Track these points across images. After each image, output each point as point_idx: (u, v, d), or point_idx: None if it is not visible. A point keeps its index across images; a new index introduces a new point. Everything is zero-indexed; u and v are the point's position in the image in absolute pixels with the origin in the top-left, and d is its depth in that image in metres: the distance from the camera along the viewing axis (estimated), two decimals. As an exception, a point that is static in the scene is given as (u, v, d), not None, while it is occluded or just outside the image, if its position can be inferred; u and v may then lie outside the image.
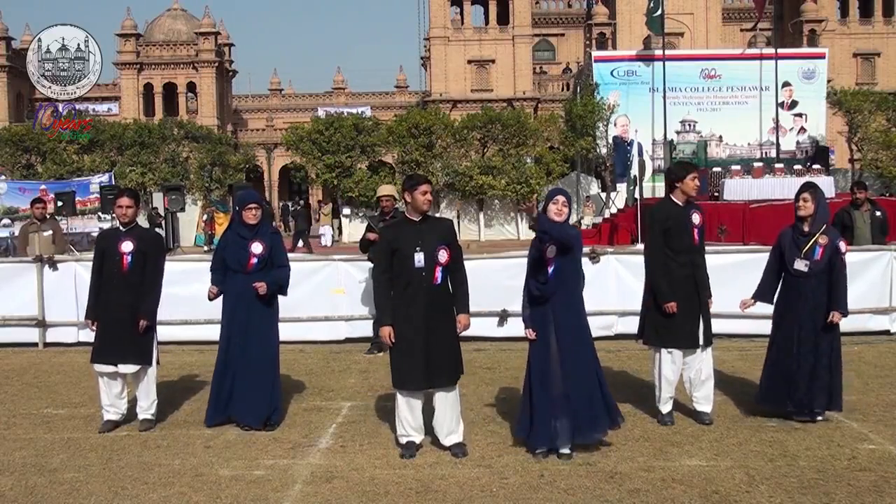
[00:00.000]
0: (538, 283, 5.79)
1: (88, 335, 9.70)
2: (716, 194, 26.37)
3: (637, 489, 5.18)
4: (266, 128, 64.64)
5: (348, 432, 6.56)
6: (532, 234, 6.36)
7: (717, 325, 7.28)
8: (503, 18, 56.26)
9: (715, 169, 29.25)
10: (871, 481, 5.26)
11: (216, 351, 6.94)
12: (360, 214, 35.40)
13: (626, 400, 7.26)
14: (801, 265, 6.51)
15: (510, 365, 8.65)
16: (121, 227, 6.88)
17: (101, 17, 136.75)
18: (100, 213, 26.98)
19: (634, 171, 28.88)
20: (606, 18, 57.18)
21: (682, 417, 6.71)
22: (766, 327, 8.15)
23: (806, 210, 6.55)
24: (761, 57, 39.11)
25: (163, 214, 30.15)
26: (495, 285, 9.91)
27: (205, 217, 33.28)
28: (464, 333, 6.02)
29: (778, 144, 36.39)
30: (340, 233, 36.14)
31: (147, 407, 6.89)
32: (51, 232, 12.43)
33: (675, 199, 6.65)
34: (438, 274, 5.85)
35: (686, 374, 6.71)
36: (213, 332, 7.38)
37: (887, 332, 10.40)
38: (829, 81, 41.58)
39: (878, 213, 11.58)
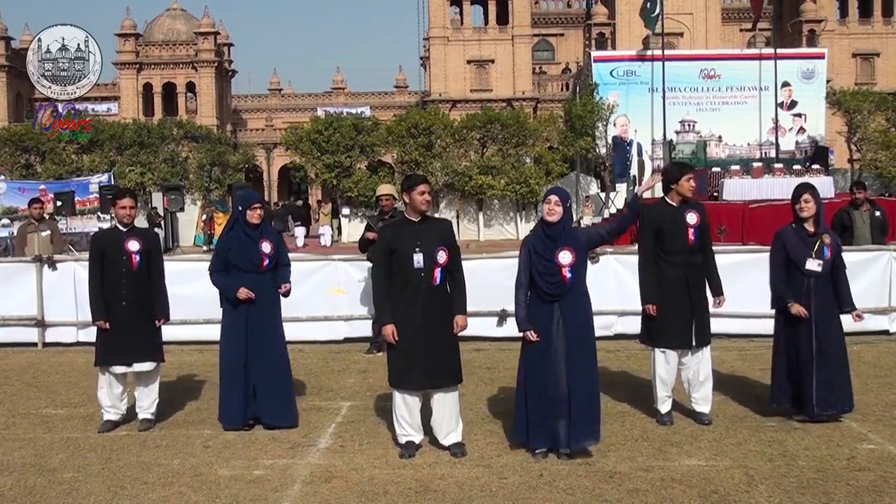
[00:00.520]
0: (549, 283, 5.75)
1: (88, 335, 9.75)
2: (715, 194, 26.34)
3: (636, 489, 5.18)
4: (265, 128, 64.67)
5: (347, 432, 6.56)
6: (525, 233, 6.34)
7: (717, 325, 7.27)
8: (503, 18, 56.29)
9: (714, 169, 29.20)
10: (870, 481, 5.26)
11: (216, 351, 6.93)
12: (360, 214, 35.42)
13: (626, 400, 7.27)
14: (813, 265, 6.51)
15: (509, 365, 8.63)
16: (121, 227, 6.88)
17: (101, 17, 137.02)
18: (99, 213, 26.96)
19: (634, 171, 28.94)
20: (606, 18, 57.20)
21: (681, 417, 6.71)
22: (765, 327, 8.16)
23: (809, 211, 6.55)
24: (761, 57, 39.12)
25: (162, 214, 30.15)
26: (494, 285, 9.90)
27: (204, 217, 33.27)
28: (463, 333, 6.01)
29: (777, 144, 36.38)
30: (340, 233, 36.12)
31: (147, 406, 6.89)
32: (49, 232, 12.42)
33: (670, 200, 6.65)
34: (437, 274, 5.84)
35: (684, 374, 6.71)
36: (212, 332, 7.38)
37: (887, 332, 10.41)
38: (828, 81, 41.62)
39: (877, 213, 11.59)
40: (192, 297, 9.66)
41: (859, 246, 10.78)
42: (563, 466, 5.59)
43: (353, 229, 33.67)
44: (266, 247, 6.71)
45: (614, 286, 10.28)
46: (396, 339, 5.81)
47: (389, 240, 5.97)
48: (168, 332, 7.27)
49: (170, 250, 25.24)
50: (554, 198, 5.78)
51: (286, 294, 6.83)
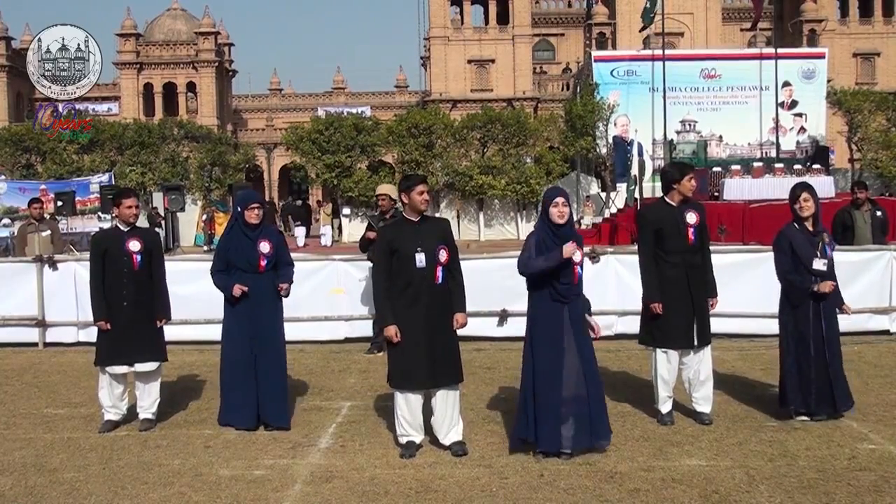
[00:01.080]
0: (562, 283, 5.74)
1: (88, 335, 9.75)
2: (716, 194, 26.37)
3: (637, 489, 5.18)
4: (266, 128, 64.66)
5: (348, 432, 6.56)
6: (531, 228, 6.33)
7: (717, 325, 7.27)
8: (503, 18, 56.28)
9: (715, 169, 29.23)
10: (870, 481, 5.26)
11: (216, 351, 6.93)
12: (360, 214, 35.42)
13: (626, 400, 7.27)
14: (820, 264, 6.51)
15: (510, 365, 8.64)
16: (122, 227, 6.88)
17: (101, 17, 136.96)
18: (100, 213, 26.96)
19: (634, 170, 28.90)
20: (606, 18, 57.24)
21: (682, 417, 6.70)
22: (765, 327, 8.16)
23: (809, 210, 6.56)
24: (761, 57, 39.14)
25: (163, 214, 30.14)
26: (495, 285, 9.91)
27: (204, 217, 33.27)
28: (463, 333, 6.02)
29: (778, 144, 36.39)
30: (340, 233, 36.13)
31: (148, 406, 6.89)
32: (49, 232, 12.42)
33: (669, 200, 6.65)
34: (439, 273, 5.85)
35: (685, 374, 6.71)
36: (213, 332, 7.37)
37: (887, 332, 10.40)
38: (828, 81, 41.63)
39: (878, 213, 11.57)
40: (193, 297, 9.66)
41: (860, 246, 10.78)
42: (564, 466, 5.59)
43: (354, 229, 33.67)
44: (264, 247, 6.70)
45: (614, 286, 10.27)
46: (399, 339, 5.82)
47: (390, 240, 5.97)
48: (168, 332, 7.27)
49: (170, 250, 25.21)
50: (561, 199, 5.79)
51: (285, 294, 6.81)
